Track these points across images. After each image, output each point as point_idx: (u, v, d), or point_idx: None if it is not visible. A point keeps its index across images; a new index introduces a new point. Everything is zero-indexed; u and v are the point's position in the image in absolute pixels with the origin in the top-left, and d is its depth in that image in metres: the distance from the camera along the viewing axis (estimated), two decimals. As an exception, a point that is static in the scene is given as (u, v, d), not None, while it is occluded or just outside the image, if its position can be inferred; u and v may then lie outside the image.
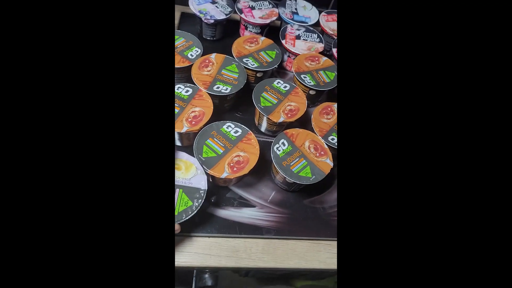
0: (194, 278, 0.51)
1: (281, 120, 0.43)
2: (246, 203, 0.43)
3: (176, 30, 0.51)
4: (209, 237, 0.40)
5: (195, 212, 0.34)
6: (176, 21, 0.63)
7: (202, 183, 0.35)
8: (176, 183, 0.35)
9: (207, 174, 0.36)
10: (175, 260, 0.38)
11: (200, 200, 0.34)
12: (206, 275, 0.46)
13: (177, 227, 0.33)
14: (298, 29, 0.59)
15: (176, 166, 0.36)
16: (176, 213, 0.33)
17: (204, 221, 0.40)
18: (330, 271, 0.42)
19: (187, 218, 0.33)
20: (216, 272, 0.48)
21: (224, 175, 0.36)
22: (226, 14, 0.56)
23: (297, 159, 0.41)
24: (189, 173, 0.36)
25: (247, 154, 0.39)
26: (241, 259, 0.39)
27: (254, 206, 0.43)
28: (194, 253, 0.39)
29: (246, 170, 0.37)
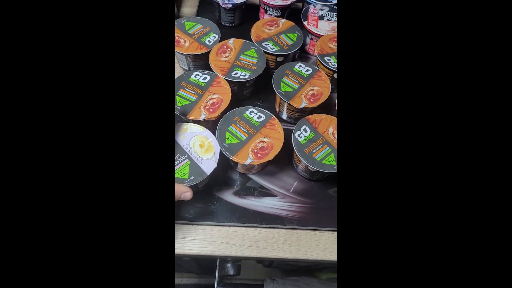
0: (217, 267, 0.51)
1: (302, 105, 0.41)
2: (267, 193, 0.41)
3: (193, 17, 0.50)
4: (229, 226, 0.39)
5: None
6: (195, 9, 0.62)
7: (208, 170, 0.35)
8: (189, 153, 0.35)
9: (230, 160, 0.36)
10: (198, 248, 0.38)
11: (195, 181, 0.34)
12: (229, 264, 0.45)
13: (186, 188, 0.32)
14: (322, 9, 0.56)
15: (200, 142, 0.37)
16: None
17: (224, 210, 0.39)
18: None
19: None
20: (239, 261, 0.47)
21: (248, 162, 0.35)
22: (245, -2, 0.54)
23: (320, 146, 0.38)
24: (206, 154, 0.36)
25: (271, 140, 0.37)
26: (263, 249, 0.38)
27: (275, 196, 0.41)
28: (215, 242, 0.39)
29: (270, 156, 0.36)
